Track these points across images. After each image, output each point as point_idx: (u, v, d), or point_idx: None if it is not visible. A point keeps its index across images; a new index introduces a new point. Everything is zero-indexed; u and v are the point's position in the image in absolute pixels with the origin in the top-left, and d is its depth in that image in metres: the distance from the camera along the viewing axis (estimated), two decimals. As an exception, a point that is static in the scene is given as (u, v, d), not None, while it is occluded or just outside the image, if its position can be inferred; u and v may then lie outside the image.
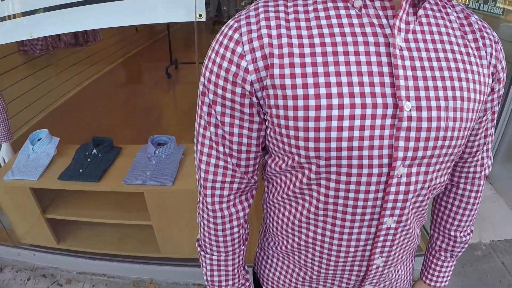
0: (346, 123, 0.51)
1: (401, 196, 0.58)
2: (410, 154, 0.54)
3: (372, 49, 0.51)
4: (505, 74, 0.64)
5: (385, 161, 0.54)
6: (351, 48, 0.51)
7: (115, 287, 2.00)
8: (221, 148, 0.62)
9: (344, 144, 0.52)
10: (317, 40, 0.51)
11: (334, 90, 0.50)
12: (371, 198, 0.58)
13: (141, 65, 5.16)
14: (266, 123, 0.59)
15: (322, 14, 0.53)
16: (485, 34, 0.60)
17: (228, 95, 0.56)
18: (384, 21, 0.52)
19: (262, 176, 0.74)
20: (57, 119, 3.14)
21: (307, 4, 0.54)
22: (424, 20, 0.56)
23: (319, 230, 0.64)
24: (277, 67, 0.51)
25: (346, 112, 0.50)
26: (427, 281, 0.91)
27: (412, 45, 0.53)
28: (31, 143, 1.99)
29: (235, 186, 0.67)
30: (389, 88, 0.51)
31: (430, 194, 0.64)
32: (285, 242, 0.73)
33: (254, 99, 0.55)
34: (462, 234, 0.83)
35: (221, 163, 0.63)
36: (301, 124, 0.52)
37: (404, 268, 0.81)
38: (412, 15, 0.54)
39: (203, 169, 0.65)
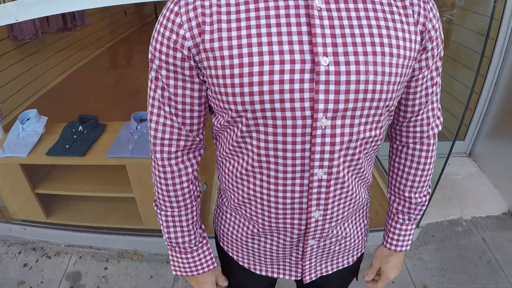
0: (266, 77, 0.57)
1: (327, 148, 0.64)
2: (331, 106, 0.60)
3: (292, 11, 0.58)
4: (438, 33, 0.68)
5: (307, 113, 0.60)
6: (272, 12, 0.58)
7: (101, 258, 2.17)
8: (167, 108, 0.70)
9: (266, 97, 0.58)
10: (242, 7, 0.59)
11: (255, 49, 0.57)
12: (298, 149, 0.64)
13: (130, 48, 5.28)
14: (206, 84, 0.67)
15: None
16: None
17: (171, 60, 0.64)
18: None
19: (212, 135, 0.82)
20: (46, 103, 3.29)
21: None
22: None
23: (258, 182, 0.71)
24: (208, 33, 0.59)
25: (266, 68, 0.57)
26: (387, 245, 0.93)
27: (333, 5, 0.59)
28: (20, 122, 2.14)
29: (182, 143, 0.75)
30: (307, 46, 0.57)
31: (362, 148, 0.68)
32: (232, 196, 0.81)
33: (192, 63, 0.63)
34: (417, 195, 0.86)
35: (168, 122, 0.71)
36: (228, 81, 0.60)
37: (352, 227, 0.87)
38: None
39: (152, 128, 0.74)
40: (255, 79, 0.58)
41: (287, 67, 0.57)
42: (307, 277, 0.92)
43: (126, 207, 2.25)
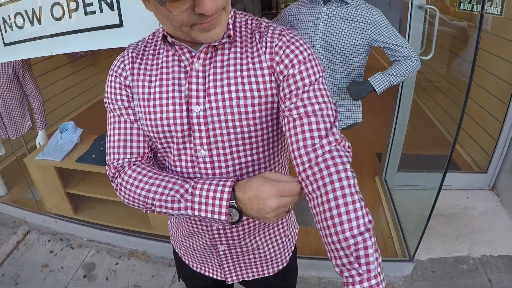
0: (161, 121, 0.83)
1: (209, 171, 0.85)
2: (204, 140, 0.83)
3: (177, 75, 0.83)
4: (292, 70, 0.78)
5: (190, 145, 0.84)
6: (164, 82, 0.83)
7: (115, 254, 2.51)
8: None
9: (161, 134, 0.84)
10: (152, 75, 0.85)
11: (157, 106, 0.83)
12: (190, 172, 0.87)
13: None
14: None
15: (159, 59, 0.86)
16: (263, 43, 0.81)
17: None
18: (188, 57, 0.82)
19: None
20: (92, 115, 3.81)
21: (153, 51, 0.88)
22: (219, 52, 0.82)
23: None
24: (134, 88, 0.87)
25: (161, 118, 0.83)
26: None
27: (206, 68, 0.81)
28: (60, 131, 2.59)
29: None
30: (187, 98, 0.81)
31: (246, 170, 0.87)
32: None
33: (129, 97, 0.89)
34: (348, 233, 0.69)
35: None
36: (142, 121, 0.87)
37: (265, 241, 1.03)
38: (212, 47, 0.81)
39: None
40: (159, 117, 0.84)
41: (172, 113, 0.83)
42: (229, 279, 1.09)
43: (141, 213, 2.58)
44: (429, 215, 2.02)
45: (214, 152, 0.84)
